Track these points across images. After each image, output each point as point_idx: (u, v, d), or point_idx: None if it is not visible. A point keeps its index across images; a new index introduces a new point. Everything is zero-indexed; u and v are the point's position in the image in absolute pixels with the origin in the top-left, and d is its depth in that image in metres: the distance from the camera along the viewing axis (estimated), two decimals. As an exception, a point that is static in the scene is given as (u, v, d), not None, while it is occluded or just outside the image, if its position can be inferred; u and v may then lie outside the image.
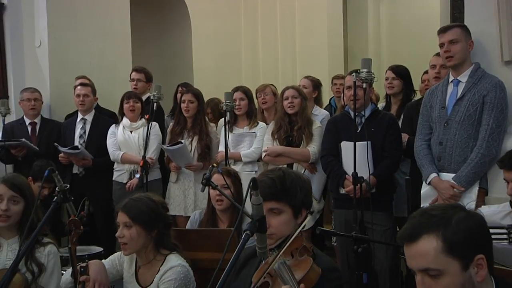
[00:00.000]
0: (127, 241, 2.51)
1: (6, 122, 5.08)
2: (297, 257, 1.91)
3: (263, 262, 2.07)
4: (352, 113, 3.71)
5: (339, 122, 3.93)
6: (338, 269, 2.06)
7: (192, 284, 2.54)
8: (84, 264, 2.50)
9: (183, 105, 4.57)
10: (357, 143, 3.45)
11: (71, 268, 2.53)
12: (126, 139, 4.74)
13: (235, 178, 3.48)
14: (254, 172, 4.40)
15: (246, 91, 4.66)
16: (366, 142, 3.57)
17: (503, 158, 2.85)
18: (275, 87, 4.98)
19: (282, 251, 1.86)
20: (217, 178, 3.36)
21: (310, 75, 5.30)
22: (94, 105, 5.17)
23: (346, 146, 3.72)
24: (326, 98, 5.98)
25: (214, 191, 3.32)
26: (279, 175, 2.04)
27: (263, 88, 4.84)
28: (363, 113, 3.70)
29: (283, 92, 4.34)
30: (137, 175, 4.62)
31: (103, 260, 2.72)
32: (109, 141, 4.81)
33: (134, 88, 5.26)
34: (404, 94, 4.40)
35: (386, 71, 4.52)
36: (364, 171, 3.45)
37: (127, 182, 4.69)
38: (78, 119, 5.01)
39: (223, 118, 5.00)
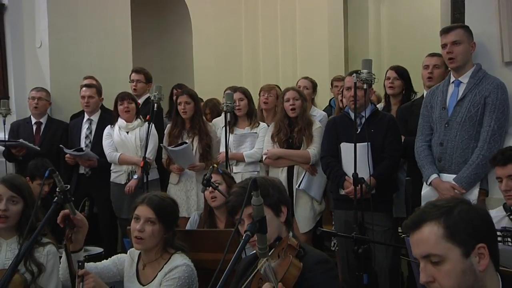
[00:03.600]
0: (146, 236, 2.49)
1: (12, 122, 5.10)
2: (282, 257, 1.95)
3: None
4: (352, 114, 3.70)
5: (339, 123, 3.92)
6: (328, 260, 2.06)
7: (196, 285, 2.54)
8: (82, 259, 2.47)
9: (179, 107, 4.53)
10: (357, 144, 3.44)
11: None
12: (122, 139, 4.71)
13: (226, 175, 3.54)
14: (256, 173, 4.41)
15: (245, 91, 4.66)
16: (366, 143, 3.56)
17: (496, 155, 2.85)
18: (280, 88, 4.96)
19: (269, 253, 1.89)
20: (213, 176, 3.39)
21: (310, 75, 5.29)
22: (100, 105, 5.18)
23: (345, 147, 3.71)
24: (325, 98, 5.98)
25: (207, 190, 3.35)
26: (248, 183, 2.02)
27: (269, 88, 4.82)
28: (363, 114, 3.69)
29: (283, 93, 4.32)
30: (135, 176, 4.61)
31: (103, 261, 2.72)
32: (105, 143, 4.78)
33: (134, 89, 5.26)
34: (405, 95, 4.39)
35: (388, 70, 4.51)
36: (364, 172, 3.44)
37: (125, 183, 4.67)
38: (84, 120, 5.01)
39: (217, 118, 5.01)
